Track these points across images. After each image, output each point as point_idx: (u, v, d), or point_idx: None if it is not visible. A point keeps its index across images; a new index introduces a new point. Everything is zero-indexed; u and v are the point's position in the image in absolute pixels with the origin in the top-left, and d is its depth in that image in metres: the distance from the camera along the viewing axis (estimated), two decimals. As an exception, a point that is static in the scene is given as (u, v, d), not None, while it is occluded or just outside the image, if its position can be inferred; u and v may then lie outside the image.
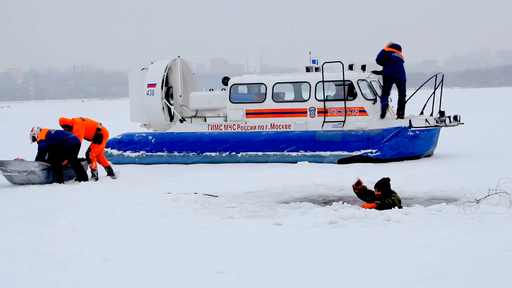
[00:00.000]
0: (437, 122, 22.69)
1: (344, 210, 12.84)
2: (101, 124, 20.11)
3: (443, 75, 23.44)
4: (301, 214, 13.01)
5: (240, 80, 24.79)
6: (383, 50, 22.97)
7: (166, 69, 25.20)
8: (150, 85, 25.09)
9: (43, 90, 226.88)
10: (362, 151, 22.24)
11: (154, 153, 24.33)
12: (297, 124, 23.59)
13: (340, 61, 23.35)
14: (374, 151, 22.15)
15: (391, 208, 12.91)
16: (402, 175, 18.00)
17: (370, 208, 12.93)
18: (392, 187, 13.56)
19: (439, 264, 9.12)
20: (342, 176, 18.21)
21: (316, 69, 24.42)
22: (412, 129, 22.22)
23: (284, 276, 8.93)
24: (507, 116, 43.64)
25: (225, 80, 24.86)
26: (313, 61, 24.74)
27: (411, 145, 22.29)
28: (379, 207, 12.96)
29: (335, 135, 22.66)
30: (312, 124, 23.44)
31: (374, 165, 20.97)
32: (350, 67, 23.58)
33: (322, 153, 22.63)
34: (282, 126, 23.75)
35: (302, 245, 10.51)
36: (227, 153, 23.58)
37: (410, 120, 22.42)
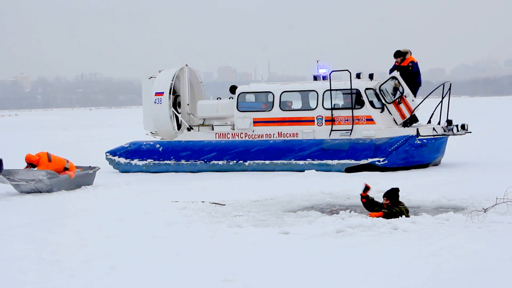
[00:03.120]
0: (444, 131, 22.65)
1: (351, 219, 12.82)
2: (68, 161, 19.74)
3: (450, 84, 23.39)
4: (308, 223, 13.00)
5: (247, 89, 24.74)
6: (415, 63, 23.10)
7: (173, 77, 25.15)
8: (157, 94, 25.02)
9: (51, 99, 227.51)
10: (370, 160, 22.17)
11: (161, 162, 24.24)
12: (304, 133, 23.52)
13: (347, 70, 23.32)
14: (381, 159, 22.09)
15: (398, 217, 12.90)
16: (409, 184, 17.97)
17: (378, 217, 12.92)
18: (400, 196, 13.53)
19: (447, 273, 9.10)
20: (350, 185, 18.19)
21: (323, 78, 24.40)
22: (419, 137, 22.16)
23: (291, 284, 8.93)
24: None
25: (233, 89, 24.85)
26: (323, 67, 24.53)
27: (418, 153, 22.23)
28: (387, 216, 12.95)
29: (342, 144, 22.58)
30: (320, 132, 23.38)
31: (381, 174, 20.94)
32: (358, 76, 23.50)
33: (329, 161, 22.55)
34: (290, 135, 23.70)
35: (309, 253, 10.51)
36: (234, 161, 23.49)
37: (417, 129, 22.37)
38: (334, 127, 23.18)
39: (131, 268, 9.97)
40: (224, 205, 15.48)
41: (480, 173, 20.17)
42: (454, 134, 22.90)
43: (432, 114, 23.45)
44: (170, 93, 24.97)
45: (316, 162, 22.65)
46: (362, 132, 22.84)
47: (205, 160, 23.78)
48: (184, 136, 24.84)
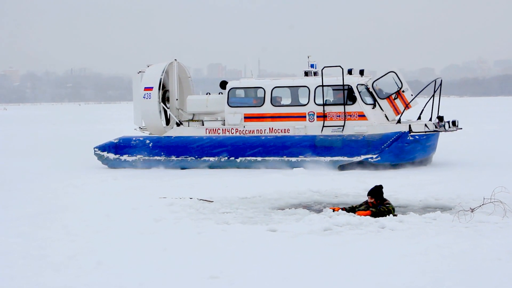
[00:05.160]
0: (436, 127, 22.64)
1: (339, 217, 12.83)
2: None
3: (441, 80, 23.33)
4: (296, 221, 13.00)
5: (238, 84, 24.62)
6: None
7: (163, 72, 24.97)
8: (146, 88, 24.82)
9: (40, 93, 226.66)
10: (363, 157, 22.08)
11: (151, 157, 24.00)
12: (296, 129, 23.39)
13: (340, 66, 23.23)
14: (374, 156, 22.00)
15: (386, 216, 12.92)
16: (397, 183, 18.01)
17: (365, 216, 12.93)
18: (388, 195, 13.56)
19: (434, 272, 9.12)
20: (338, 183, 18.22)
21: (315, 74, 24.35)
22: (412, 134, 22.12)
23: (278, 282, 8.93)
24: (503, 125, 43.70)
25: (223, 84, 24.73)
26: (312, 66, 24.56)
27: (411, 150, 22.18)
28: (374, 215, 12.97)
29: (335, 141, 22.44)
30: (311, 128, 23.27)
31: (370, 173, 20.96)
32: (349, 72, 23.46)
33: (322, 158, 22.42)
34: (281, 131, 23.56)
35: (296, 251, 10.51)
36: (226, 158, 23.29)
37: (409, 125, 22.33)
38: (326, 123, 23.09)
39: (118, 264, 9.95)
40: (212, 201, 15.47)
41: (468, 173, 20.22)
42: (446, 131, 22.90)
43: (422, 110, 23.46)
44: (159, 88, 24.80)
45: (308, 158, 22.52)
46: (354, 128, 22.77)
47: (196, 156, 23.60)
48: (174, 131, 24.68)
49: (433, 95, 22.69)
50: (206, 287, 8.82)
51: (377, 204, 13.25)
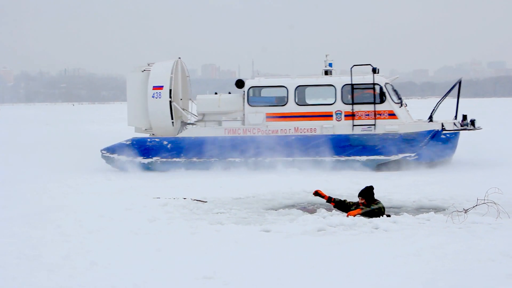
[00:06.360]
0: (461, 126, 22.58)
1: (332, 218, 12.85)
2: None
3: (461, 80, 23.10)
4: (289, 221, 13.02)
5: (258, 83, 23.91)
6: None
7: (172, 70, 24.04)
8: (156, 87, 23.79)
9: (34, 93, 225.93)
10: (400, 155, 21.97)
11: (170, 159, 23.19)
12: (324, 128, 22.92)
13: (370, 64, 23.08)
14: (412, 155, 21.89)
15: (377, 215, 12.94)
16: (391, 184, 18.04)
17: (356, 215, 12.95)
18: (381, 196, 13.58)
19: (427, 273, 9.14)
20: (332, 184, 18.24)
21: (329, 72, 23.99)
22: (444, 132, 22.08)
23: (272, 283, 8.93)
24: (497, 127, 43.72)
25: (240, 83, 23.84)
26: (329, 64, 24.24)
27: (443, 148, 22.16)
28: (365, 214, 12.99)
29: (371, 139, 22.22)
30: (339, 127, 22.84)
31: (363, 173, 20.99)
32: (374, 70, 23.10)
33: (357, 157, 22.16)
34: (307, 130, 23.05)
35: (290, 252, 10.52)
36: (253, 158, 22.64)
37: (442, 124, 22.23)
38: (355, 122, 22.76)
39: (112, 264, 9.94)
40: (205, 202, 15.48)
41: (461, 174, 20.27)
42: (474, 129, 22.87)
43: (433, 110, 23.42)
44: (170, 86, 23.92)
45: (343, 158, 22.21)
46: (385, 127, 22.52)
47: (220, 157, 22.84)
48: (190, 132, 23.83)
49: (458, 95, 22.59)
50: (200, 287, 8.82)
51: (368, 205, 13.27)
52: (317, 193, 14.01)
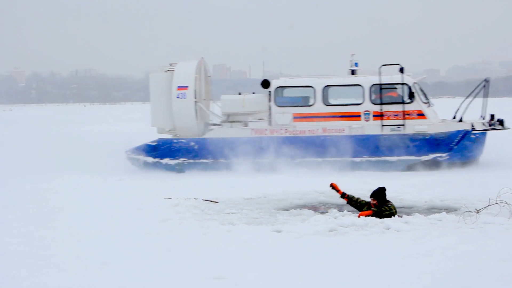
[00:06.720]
0: (489, 126, 22.48)
1: (344, 218, 12.83)
2: None
3: (488, 79, 22.99)
4: (301, 221, 13.00)
5: (284, 83, 23.68)
6: None
7: (197, 70, 23.78)
8: (180, 88, 23.47)
9: (45, 94, 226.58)
10: (431, 156, 21.92)
11: (197, 160, 22.99)
12: (352, 128, 22.70)
13: (398, 64, 22.96)
14: (444, 155, 21.85)
15: (388, 216, 12.91)
16: (402, 184, 17.99)
17: (367, 216, 12.93)
18: (393, 196, 13.54)
19: (438, 274, 9.11)
20: (343, 184, 18.15)
21: (355, 72, 23.82)
22: (474, 132, 22.02)
23: (283, 283, 8.93)
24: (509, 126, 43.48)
25: (266, 83, 23.52)
26: (355, 64, 23.98)
27: (473, 148, 22.08)
28: (376, 214, 12.97)
29: (402, 139, 22.13)
30: (368, 128, 22.66)
31: (374, 174, 20.94)
32: (401, 70, 22.91)
33: (388, 158, 22.08)
34: (335, 130, 22.81)
35: (301, 252, 10.51)
36: (281, 159, 22.41)
37: (472, 123, 22.15)
38: (384, 122, 22.61)
39: (123, 264, 9.96)
40: (217, 202, 15.48)
41: (473, 174, 20.20)
42: (503, 129, 22.79)
43: (457, 110, 23.33)
44: (195, 87, 23.63)
45: (373, 159, 22.14)
46: (414, 127, 22.38)
47: (251, 158, 22.51)
48: (216, 132, 23.52)
49: (487, 96, 22.51)
50: (211, 287, 8.82)
51: (379, 206, 13.24)
52: (332, 187, 13.98)
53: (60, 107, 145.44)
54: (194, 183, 19.38)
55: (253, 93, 24.15)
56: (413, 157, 21.95)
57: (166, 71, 24.15)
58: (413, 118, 22.46)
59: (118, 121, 62.68)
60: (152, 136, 24.78)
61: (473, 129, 22.09)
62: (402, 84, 22.68)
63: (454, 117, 23.54)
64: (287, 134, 22.98)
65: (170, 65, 24.34)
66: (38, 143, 35.42)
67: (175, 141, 23.42)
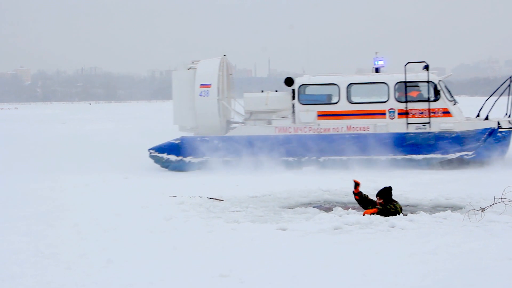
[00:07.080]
0: None
1: (349, 216, 12.83)
2: None
3: None
4: (306, 219, 13.01)
5: (308, 81, 23.55)
6: None
7: (220, 68, 23.76)
8: (203, 85, 23.46)
9: (51, 92, 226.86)
10: (458, 154, 21.86)
11: (221, 158, 22.81)
12: (377, 126, 22.66)
13: (424, 61, 22.96)
14: (470, 153, 21.78)
15: (393, 214, 12.90)
16: (407, 182, 17.98)
17: (372, 214, 12.93)
18: (398, 194, 13.54)
19: (443, 272, 9.10)
20: (348, 182, 18.15)
21: (377, 70, 23.78)
22: (500, 130, 21.99)
23: (288, 281, 8.93)
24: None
25: (289, 81, 23.51)
26: (378, 62, 23.93)
27: (498, 147, 22.00)
28: (381, 212, 12.96)
29: (428, 137, 22.08)
30: (393, 126, 22.60)
31: (379, 172, 20.92)
32: (426, 68, 22.92)
33: (414, 156, 22.02)
34: (360, 128, 22.81)
35: (306, 250, 10.50)
36: (306, 157, 22.42)
37: (498, 121, 22.13)
38: (409, 120, 22.56)
39: (128, 262, 9.97)
40: (222, 200, 15.49)
41: (478, 172, 20.19)
42: None
43: (481, 108, 23.26)
44: (218, 85, 23.59)
45: (399, 157, 22.06)
46: (440, 125, 22.34)
47: (276, 156, 22.42)
48: (240, 130, 23.43)
49: (509, 93, 22.45)
50: (216, 285, 8.83)
51: (385, 205, 13.23)
52: (355, 184, 13.88)
53: (66, 105, 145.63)
54: (199, 181, 19.40)
55: (276, 91, 24.08)
56: (439, 155, 21.93)
57: (188, 69, 24.14)
58: (438, 116, 22.43)
59: (123, 119, 62.72)
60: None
61: (499, 127, 22.02)
62: (428, 82, 22.61)
63: (478, 115, 23.49)
64: (312, 132, 22.90)
65: (193, 62, 24.31)
66: (43, 141, 35.47)
67: (199, 139, 23.30)
